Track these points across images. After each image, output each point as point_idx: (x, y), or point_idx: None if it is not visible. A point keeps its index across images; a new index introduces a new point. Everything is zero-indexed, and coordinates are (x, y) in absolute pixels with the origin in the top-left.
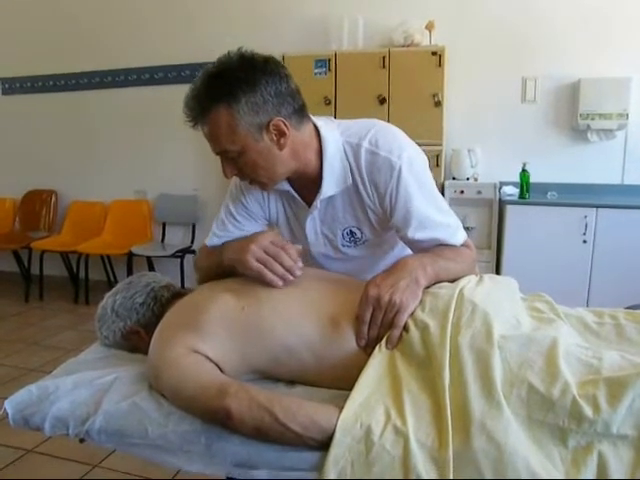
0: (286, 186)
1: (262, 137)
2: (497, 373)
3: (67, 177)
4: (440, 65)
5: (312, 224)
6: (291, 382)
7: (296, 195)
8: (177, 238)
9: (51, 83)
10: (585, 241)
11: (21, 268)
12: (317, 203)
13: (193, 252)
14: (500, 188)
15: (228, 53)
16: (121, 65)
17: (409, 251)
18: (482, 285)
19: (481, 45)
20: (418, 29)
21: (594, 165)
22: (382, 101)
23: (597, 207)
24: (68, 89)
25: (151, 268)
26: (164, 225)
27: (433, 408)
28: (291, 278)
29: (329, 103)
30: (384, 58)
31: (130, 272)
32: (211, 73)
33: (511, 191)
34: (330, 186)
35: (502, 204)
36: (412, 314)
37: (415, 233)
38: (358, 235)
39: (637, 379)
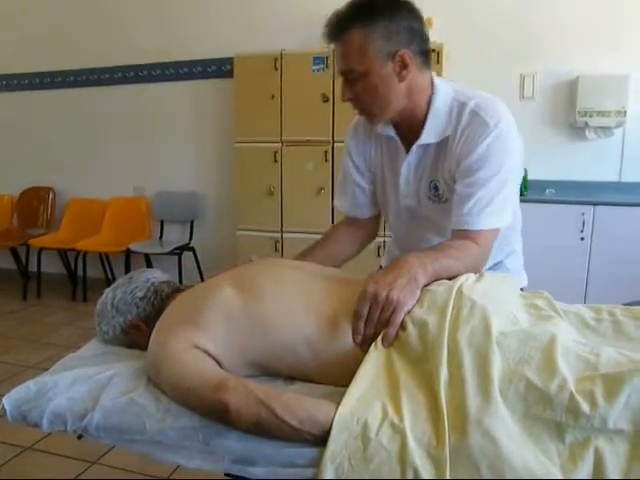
0: (390, 132)
1: (387, 64)
2: (495, 370)
3: (65, 174)
4: (438, 62)
5: (406, 170)
6: (290, 378)
7: (398, 140)
8: (175, 235)
9: (48, 80)
10: (583, 238)
11: (19, 265)
12: (414, 148)
13: (191, 249)
14: None
15: None
16: (119, 62)
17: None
18: (481, 281)
19: (479, 42)
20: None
21: (592, 162)
22: None
23: (595, 204)
24: (66, 86)
25: (149, 265)
26: (162, 222)
27: (430, 404)
28: None
29: (327, 100)
30: None
31: (128, 269)
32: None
33: None
34: (430, 134)
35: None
36: (409, 311)
37: (463, 189)
38: (440, 191)
39: (633, 375)
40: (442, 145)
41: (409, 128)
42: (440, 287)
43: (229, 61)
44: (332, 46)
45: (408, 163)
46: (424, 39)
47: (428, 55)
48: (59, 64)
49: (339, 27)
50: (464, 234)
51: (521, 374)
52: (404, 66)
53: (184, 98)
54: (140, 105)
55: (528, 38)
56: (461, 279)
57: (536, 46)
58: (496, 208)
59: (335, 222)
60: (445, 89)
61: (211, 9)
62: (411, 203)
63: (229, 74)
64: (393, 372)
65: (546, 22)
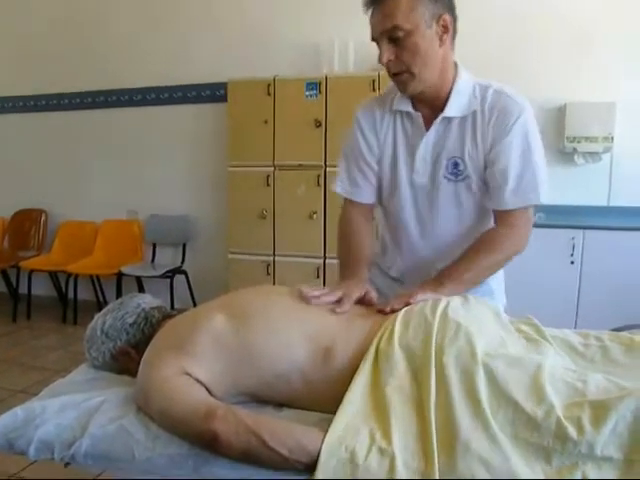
0: (409, 107)
1: (431, 26)
2: (482, 391)
3: (58, 196)
4: None
5: (424, 147)
6: (279, 405)
7: (419, 116)
8: (167, 258)
9: (43, 102)
10: (572, 262)
11: (9, 287)
12: (438, 120)
13: (183, 272)
14: None
15: None
16: (114, 86)
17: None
18: (467, 305)
19: (469, 70)
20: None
21: (581, 187)
22: None
23: (584, 229)
24: (60, 109)
25: (141, 288)
26: (154, 245)
27: (419, 426)
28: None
29: (319, 125)
30: (374, 81)
31: (119, 292)
32: None
33: None
34: (454, 107)
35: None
36: (397, 334)
37: (503, 168)
38: (461, 167)
39: (620, 402)
40: (467, 121)
41: (431, 104)
42: (425, 309)
43: (223, 86)
44: (370, 11)
45: (426, 141)
46: (456, 15)
47: (456, 33)
48: (54, 87)
49: None
50: (509, 213)
51: (509, 398)
52: (446, 30)
53: (178, 122)
54: (134, 128)
55: (517, 67)
56: (443, 302)
57: (525, 74)
58: (540, 182)
59: (327, 246)
60: (466, 73)
61: (205, 35)
62: (424, 182)
63: (223, 99)
64: (380, 396)
65: (535, 51)
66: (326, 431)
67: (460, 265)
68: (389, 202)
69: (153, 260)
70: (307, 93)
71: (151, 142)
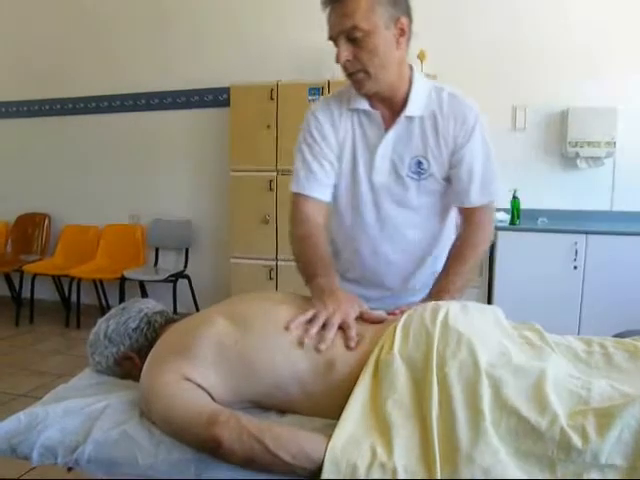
0: (366, 105)
1: (389, 28)
2: (485, 403)
3: (62, 201)
4: None
5: (384, 146)
6: (281, 411)
7: (378, 114)
8: (170, 263)
9: (47, 107)
10: (576, 267)
11: (12, 291)
12: (401, 119)
13: (186, 277)
14: None
15: None
16: (117, 91)
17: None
18: (466, 313)
19: (473, 74)
20: (410, 58)
21: (584, 192)
22: None
23: (587, 233)
24: (64, 113)
25: (144, 293)
26: (157, 250)
27: (421, 439)
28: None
29: None
30: None
31: (122, 296)
32: None
33: (502, 217)
34: (414, 108)
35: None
36: (397, 345)
37: (467, 169)
38: (424, 166)
39: (625, 410)
40: (427, 122)
41: (388, 104)
42: (425, 317)
43: (226, 91)
44: (327, 9)
45: (387, 140)
46: (412, 17)
47: (411, 35)
48: (58, 91)
49: None
50: (475, 210)
51: (512, 409)
52: (402, 33)
53: (181, 127)
54: (137, 133)
55: (520, 71)
56: (443, 310)
57: (527, 79)
58: (495, 178)
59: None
60: (420, 75)
61: (209, 39)
62: (384, 180)
63: (226, 103)
64: (381, 409)
65: (537, 57)
66: (328, 441)
67: (450, 276)
68: (347, 202)
69: (156, 265)
70: (310, 98)
71: (154, 147)
